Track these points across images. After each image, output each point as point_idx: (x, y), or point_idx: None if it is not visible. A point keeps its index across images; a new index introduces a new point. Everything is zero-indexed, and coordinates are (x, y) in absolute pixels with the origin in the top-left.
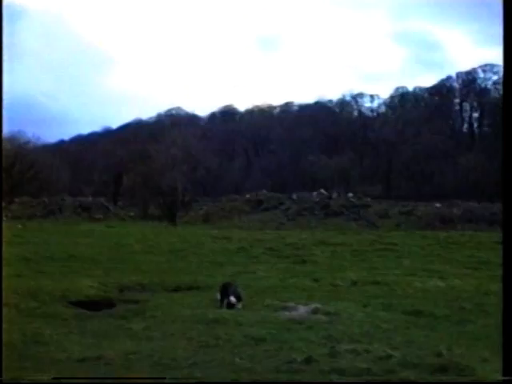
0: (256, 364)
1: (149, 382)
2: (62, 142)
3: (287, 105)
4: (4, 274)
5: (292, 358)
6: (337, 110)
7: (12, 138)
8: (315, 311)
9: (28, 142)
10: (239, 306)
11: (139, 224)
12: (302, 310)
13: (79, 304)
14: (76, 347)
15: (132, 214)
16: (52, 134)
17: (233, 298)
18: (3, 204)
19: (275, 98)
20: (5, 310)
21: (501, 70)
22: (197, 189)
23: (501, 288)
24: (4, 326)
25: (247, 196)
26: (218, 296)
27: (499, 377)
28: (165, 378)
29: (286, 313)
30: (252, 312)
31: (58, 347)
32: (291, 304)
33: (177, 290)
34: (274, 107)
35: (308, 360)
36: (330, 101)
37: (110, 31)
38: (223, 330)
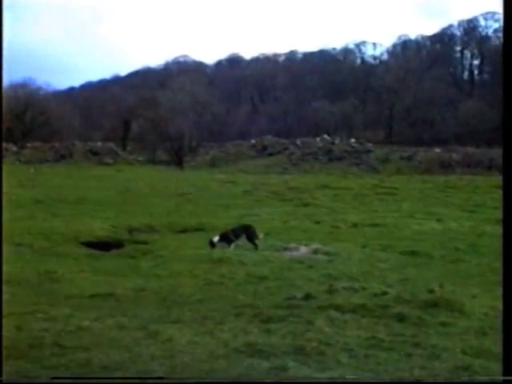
0: (258, 300)
1: (149, 381)
2: (72, 89)
3: (292, 53)
4: (18, 215)
5: (292, 295)
6: (340, 57)
7: (23, 85)
8: (316, 251)
9: (39, 89)
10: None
11: (147, 168)
12: (303, 250)
13: (90, 244)
14: (87, 284)
15: (140, 158)
16: (62, 82)
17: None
18: (15, 148)
19: (280, 46)
20: (20, 250)
21: (502, 17)
22: (203, 134)
23: (495, 231)
24: (19, 264)
25: (252, 141)
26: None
27: (499, 377)
28: (164, 378)
29: (288, 253)
30: (255, 252)
31: (70, 284)
32: (293, 245)
33: (183, 231)
34: (279, 55)
35: (307, 296)
36: (334, 49)
37: None
38: (227, 268)
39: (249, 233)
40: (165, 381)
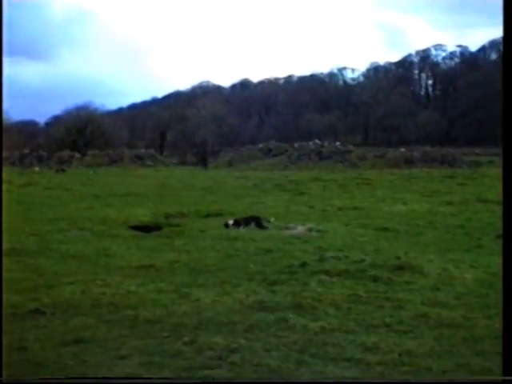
0: (265, 268)
1: (150, 382)
2: (121, 109)
3: (289, 77)
4: (81, 206)
5: (291, 263)
6: (327, 80)
7: (84, 107)
8: (310, 229)
9: (96, 110)
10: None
11: (179, 169)
12: (300, 228)
13: (136, 228)
14: (134, 258)
15: (174, 161)
16: (113, 103)
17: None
18: (79, 155)
19: (280, 72)
20: (82, 233)
21: (448, 48)
22: (222, 141)
23: (446, 210)
24: (82, 244)
25: (260, 146)
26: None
27: (499, 377)
28: (166, 378)
29: (288, 231)
30: (262, 231)
31: (121, 258)
32: (292, 225)
33: (207, 216)
34: (280, 79)
35: (303, 264)
36: (322, 73)
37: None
38: (241, 244)
39: (257, 222)
40: (165, 381)
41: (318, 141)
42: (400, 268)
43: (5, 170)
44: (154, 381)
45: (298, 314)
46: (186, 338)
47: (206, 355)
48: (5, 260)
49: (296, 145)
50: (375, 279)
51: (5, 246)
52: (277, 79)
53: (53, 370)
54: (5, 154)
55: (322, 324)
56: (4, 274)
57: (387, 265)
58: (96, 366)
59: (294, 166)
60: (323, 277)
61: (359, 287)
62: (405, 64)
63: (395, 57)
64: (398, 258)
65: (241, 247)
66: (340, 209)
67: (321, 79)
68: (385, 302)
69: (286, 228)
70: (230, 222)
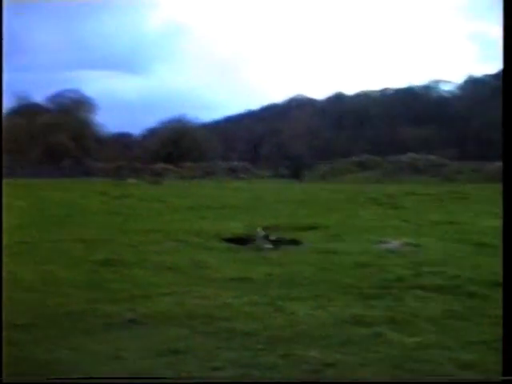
0: (360, 281)
1: (149, 381)
2: (215, 122)
3: (384, 90)
4: (175, 218)
5: (387, 278)
6: (422, 92)
7: (179, 120)
8: (405, 244)
9: (190, 122)
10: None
11: (273, 182)
12: (395, 243)
13: (230, 240)
14: (228, 270)
15: (267, 174)
16: (208, 116)
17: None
18: (173, 168)
19: (375, 85)
20: (178, 244)
21: None
22: (316, 154)
23: None
24: (178, 255)
25: (354, 159)
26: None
27: (499, 377)
28: (165, 378)
29: (383, 245)
30: (357, 245)
31: (216, 270)
32: (387, 239)
33: (302, 229)
34: (374, 91)
35: (399, 279)
36: (417, 86)
37: (248, 37)
38: (337, 257)
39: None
40: (165, 381)
41: (412, 154)
42: (498, 284)
43: (101, 181)
44: (153, 381)
45: (394, 329)
46: (281, 351)
47: (301, 369)
48: (102, 270)
49: (390, 158)
50: (472, 295)
51: (101, 257)
52: (371, 92)
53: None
54: (101, 165)
55: (418, 340)
56: (102, 285)
57: (484, 281)
58: (191, 378)
59: (388, 179)
60: (419, 292)
61: (456, 303)
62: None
63: (490, 69)
64: (496, 273)
65: (336, 261)
66: (435, 223)
67: (416, 92)
68: (482, 319)
69: (381, 242)
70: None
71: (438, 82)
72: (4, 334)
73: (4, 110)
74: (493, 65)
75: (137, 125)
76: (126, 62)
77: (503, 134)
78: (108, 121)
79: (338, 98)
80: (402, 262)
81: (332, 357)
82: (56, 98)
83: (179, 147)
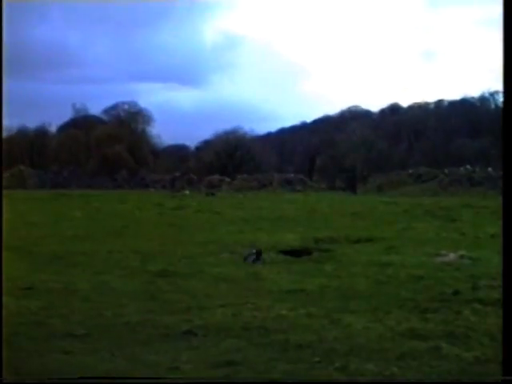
0: (416, 295)
1: (149, 381)
2: (269, 134)
3: (440, 101)
4: (230, 230)
5: (443, 291)
6: (478, 104)
7: (233, 131)
8: (461, 257)
9: (245, 134)
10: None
11: (328, 194)
12: (452, 256)
13: (286, 252)
14: (284, 282)
15: (323, 186)
16: (262, 128)
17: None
18: (228, 179)
19: (430, 97)
20: (233, 256)
21: None
22: (371, 166)
23: None
24: (233, 267)
25: (410, 171)
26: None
27: (499, 377)
28: (165, 378)
29: (440, 258)
30: (413, 257)
31: (271, 282)
32: (443, 252)
33: (357, 241)
34: (429, 103)
35: (455, 292)
36: (473, 97)
37: (303, 48)
38: (392, 270)
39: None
40: (165, 381)
41: (469, 166)
42: None
43: (157, 193)
44: (153, 381)
45: (451, 343)
46: (337, 364)
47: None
48: (158, 281)
49: (446, 170)
50: None
51: (158, 268)
52: (427, 104)
53: None
54: (157, 177)
55: (476, 354)
56: (158, 296)
57: None
58: None
59: (445, 192)
60: (477, 305)
61: None
62: None
63: None
64: None
65: (392, 273)
66: (493, 236)
67: (472, 103)
68: None
69: (437, 255)
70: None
71: (494, 93)
72: (62, 343)
73: (61, 122)
74: None
75: (192, 137)
76: (182, 74)
77: (503, 140)
78: (164, 132)
79: (393, 110)
80: (459, 275)
81: (389, 370)
82: (112, 109)
83: (234, 159)
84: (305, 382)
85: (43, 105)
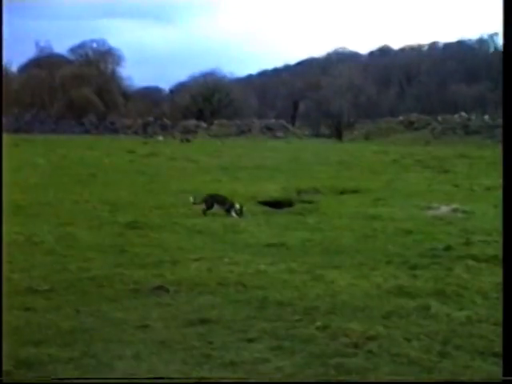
0: (405, 250)
1: (149, 382)
2: (250, 76)
3: (434, 43)
4: (207, 179)
5: (434, 246)
6: (476, 47)
7: (212, 73)
8: (454, 210)
9: (224, 77)
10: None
11: (312, 141)
12: (444, 209)
13: (265, 203)
14: (264, 235)
15: (306, 133)
16: (243, 70)
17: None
18: (205, 125)
19: (423, 39)
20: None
21: None
22: (359, 112)
23: None
24: (208, 218)
25: (400, 118)
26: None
27: (499, 377)
28: (165, 378)
29: (431, 211)
30: (403, 210)
31: (250, 235)
32: (435, 204)
33: (343, 192)
34: (423, 45)
35: (447, 248)
36: (470, 40)
37: None
38: (379, 224)
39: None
40: (165, 381)
41: (464, 114)
42: None
43: (128, 139)
44: (153, 381)
45: (441, 302)
46: (318, 323)
47: (340, 342)
48: (128, 233)
49: (440, 118)
50: None
51: (128, 219)
52: (420, 46)
53: (176, 350)
54: (127, 122)
55: (468, 314)
56: (128, 249)
57: None
58: (223, 349)
59: (438, 140)
60: (470, 262)
61: None
62: None
63: None
64: None
65: (379, 227)
66: (488, 188)
67: (469, 46)
68: None
69: (429, 208)
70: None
71: (493, 35)
72: (23, 299)
73: (24, 61)
74: None
75: (166, 79)
76: (158, 10)
77: (503, 131)
78: (135, 74)
79: (384, 52)
80: (452, 230)
81: (374, 329)
82: (79, 48)
83: (212, 103)
84: (304, 382)
85: (3, 41)
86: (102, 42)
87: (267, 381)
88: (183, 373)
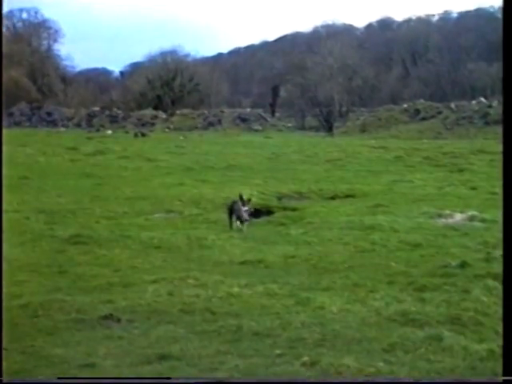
0: (411, 268)
1: (149, 382)
2: (220, 55)
3: (446, 13)
4: (168, 182)
5: (447, 263)
6: (498, 16)
7: (172, 52)
8: (471, 218)
9: (188, 56)
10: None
11: (296, 135)
12: (458, 217)
13: None
14: (237, 251)
15: (289, 124)
16: (210, 49)
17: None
18: (164, 116)
19: (433, 7)
20: (170, 216)
21: None
22: (353, 99)
23: None
24: (169, 230)
25: (404, 106)
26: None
27: (499, 377)
28: (165, 378)
29: (442, 220)
30: (408, 219)
31: (220, 251)
32: (447, 211)
33: (334, 197)
34: (433, 15)
35: (462, 264)
36: (492, 6)
37: None
38: (379, 235)
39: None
40: (167, 381)
41: (483, 99)
42: None
43: (69, 133)
44: (153, 381)
45: (456, 332)
46: (305, 358)
47: (332, 382)
48: (70, 250)
49: (453, 105)
50: None
51: (69, 233)
52: (429, 16)
53: None
54: (68, 112)
55: (490, 346)
56: (69, 269)
57: None
58: None
59: (451, 132)
60: (490, 282)
61: None
62: None
63: None
64: None
65: (378, 239)
66: None
67: (490, 15)
68: None
69: (440, 215)
70: None
71: None
72: None
73: None
74: None
75: (116, 59)
76: None
77: (503, 129)
78: (77, 52)
79: (384, 25)
80: (468, 243)
81: (373, 366)
82: (6, 19)
83: (173, 88)
84: (304, 382)
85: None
86: (35, 12)
87: (267, 381)
88: None
